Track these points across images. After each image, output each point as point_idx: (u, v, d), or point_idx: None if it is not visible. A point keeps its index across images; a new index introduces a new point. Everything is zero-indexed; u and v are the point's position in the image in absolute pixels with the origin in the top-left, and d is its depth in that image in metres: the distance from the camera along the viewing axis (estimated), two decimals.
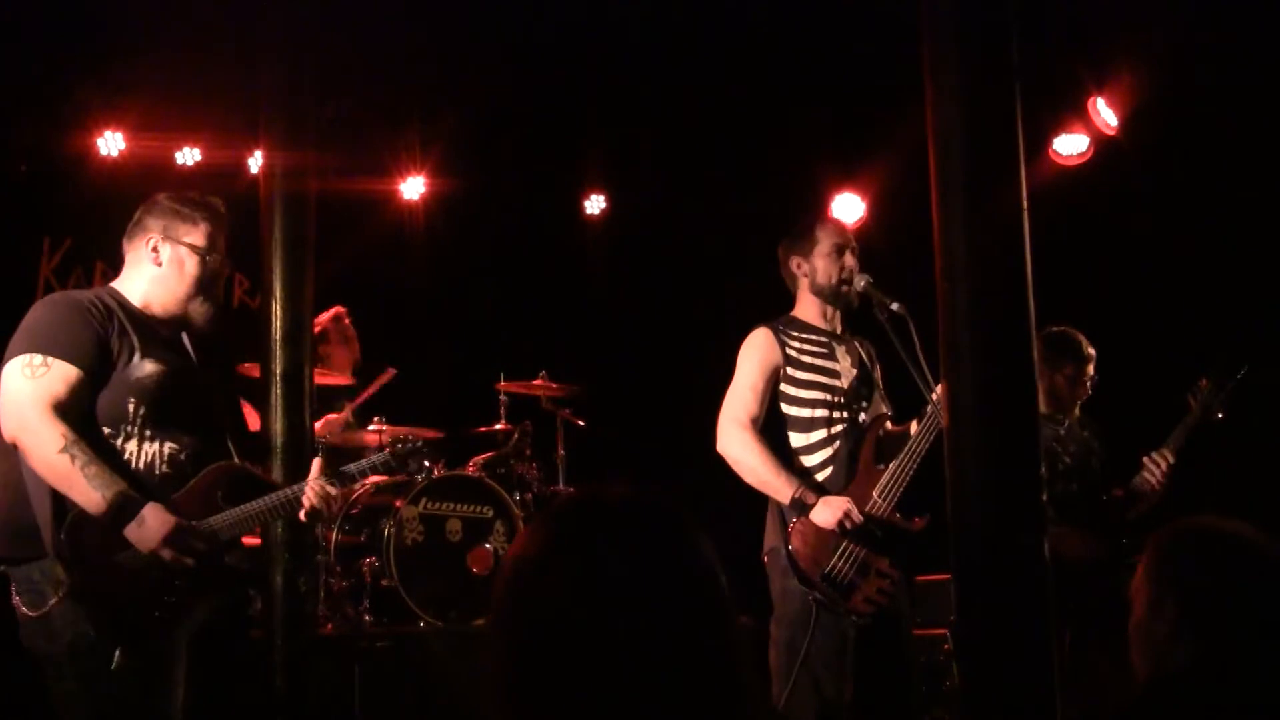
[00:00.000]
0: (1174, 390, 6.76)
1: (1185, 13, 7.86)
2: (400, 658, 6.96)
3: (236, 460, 4.60)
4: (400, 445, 5.10)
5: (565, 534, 1.87)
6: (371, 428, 8.12)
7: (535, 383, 8.69)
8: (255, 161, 8.31)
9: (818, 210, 9.41)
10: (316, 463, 4.84)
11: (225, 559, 4.47)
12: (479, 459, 8.36)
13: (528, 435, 8.49)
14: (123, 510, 4.18)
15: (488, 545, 7.84)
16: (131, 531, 4.19)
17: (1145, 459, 6.46)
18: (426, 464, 5.30)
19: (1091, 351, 6.56)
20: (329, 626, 7.37)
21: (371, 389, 8.36)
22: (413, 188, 10.21)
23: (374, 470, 4.99)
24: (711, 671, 1.80)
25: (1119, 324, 7.03)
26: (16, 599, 4.28)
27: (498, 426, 8.58)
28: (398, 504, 7.59)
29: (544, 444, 8.72)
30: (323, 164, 7.06)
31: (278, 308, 6.60)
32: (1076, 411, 6.64)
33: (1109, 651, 5.98)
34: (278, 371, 6.39)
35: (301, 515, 4.70)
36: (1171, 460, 6.40)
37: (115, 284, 4.62)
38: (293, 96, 6.95)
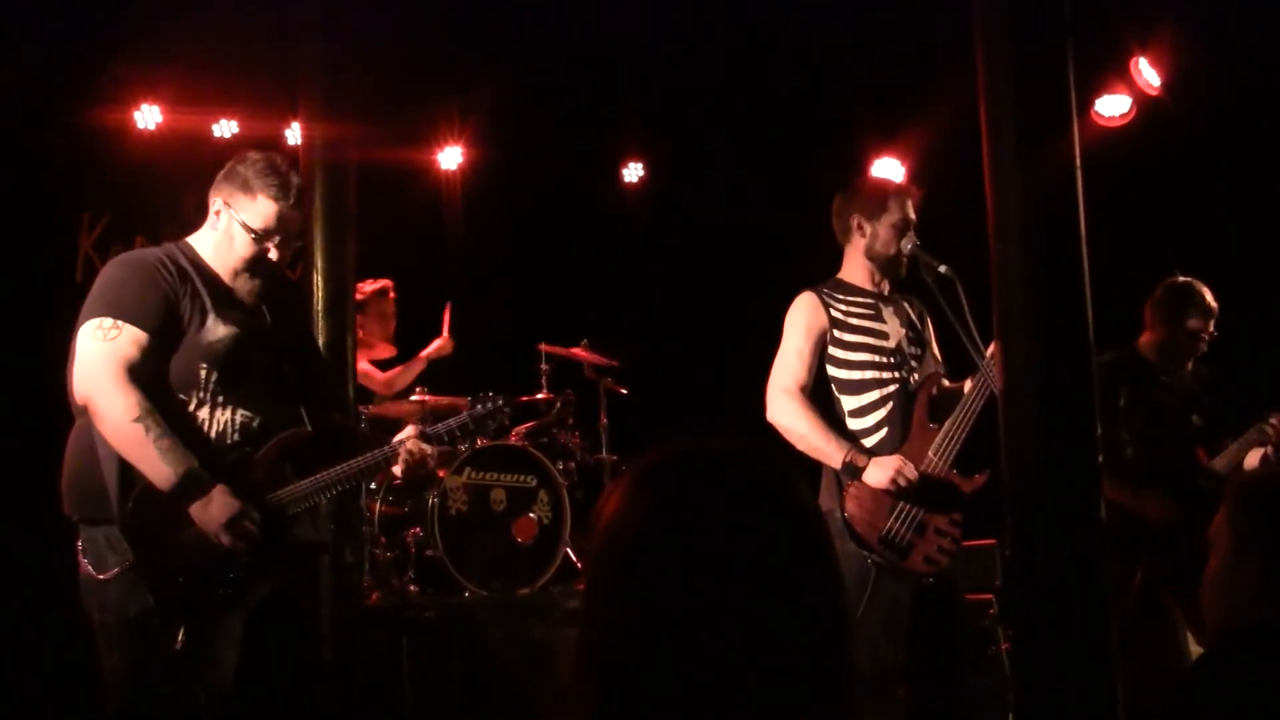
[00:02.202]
0: (1230, 361, 6.70)
1: None
2: (446, 628, 6.95)
3: (308, 428, 4.47)
4: (480, 406, 4.93)
5: (670, 496, 1.74)
6: (414, 397, 8.12)
7: (576, 351, 8.67)
8: (293, 133, 8.30)
9: (883, 175, 9.37)
10: (412, 427, 4.65)
11: (292, 531, 4.38)
12: (521, 428, 8.37)
13: (570, 404, 8.49)
14: (191, 489, 4.08)
15: (532, 514, 7.84)
16: (197, 511, 4.09)
17: (1251, 431, 6.36)
18: (506, 422, 5.10)
19: (1215, 305, 6.47)
20: (375, 597, 7.38)
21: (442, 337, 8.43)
22: (450, 158, 10.18)
23: (453, 435, 4.76)
24: (824, 630, 1.71)
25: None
26: (82, 558, 4.22)
27: (540, 396, 8.56)
28: (441, 474, 7.58)
29: (586, 413, 8.71)
30: (361, 135, 7.05)
31: (319, 278, 6.61)
32: (1190, 365, 6.56)
33: (1181, 611, 5.97)
34: (320, 341, 6.39)
35: (397, 470, 4.60)
36: (1274, 444, 6.31)
37: (192, 238, 4.51)
38: (331, 67, 6.93)
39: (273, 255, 4.44)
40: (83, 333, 4.19)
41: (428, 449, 4.59)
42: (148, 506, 4.10)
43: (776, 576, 1.69)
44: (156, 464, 4.06)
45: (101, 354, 4.13)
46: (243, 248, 4.40)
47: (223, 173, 4.47)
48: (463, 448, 7.63)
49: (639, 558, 1.72)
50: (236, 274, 4.44)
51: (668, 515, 1.72)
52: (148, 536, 4.11)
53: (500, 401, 4.97)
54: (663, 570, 1.69)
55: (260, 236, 4.39)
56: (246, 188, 4.40)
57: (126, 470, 4.11)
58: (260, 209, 4.39)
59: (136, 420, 4.06)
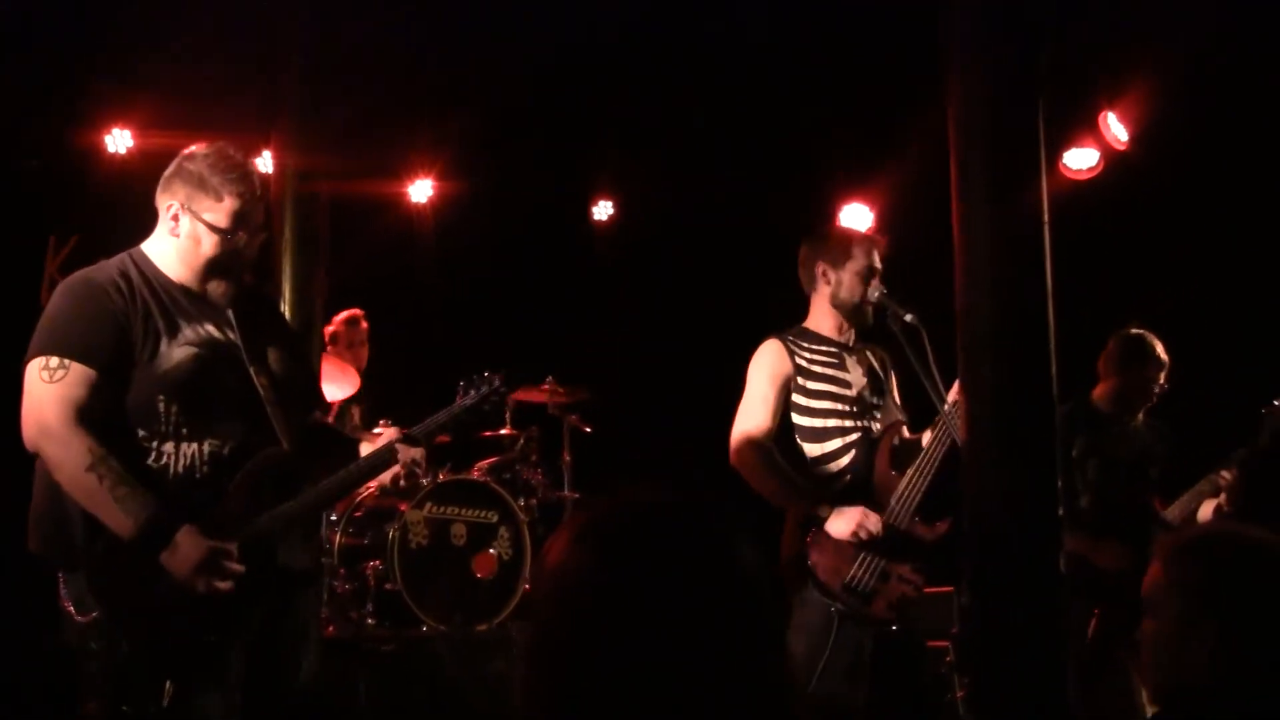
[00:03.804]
0: (1189, 411, 6.75)
1: (1198, 28, 7.84)
2: (404, 662, 6.92)
3: (285, 447, 4.18)
4: (472, 391, 4.61)
5: (606, 544, 1.78)
6: (377, 430, 8.08)
7: (542, 387, 8.66)
8: (264, 161, 8.30)
9: (843, 221, 9.46)
10: (393, 431, 4.39)
11: (280, 559, 4.12)
12: (484, 463, 8.34)
13: (534, 440, 8.47)
14: (154, 536, 3.85)
15: (492, 550, 7.81)
16: (165, 558, 3.86)
17: (1204, 483, 6.39)
18: (501, 391, 4.67)
19: (1166, 358, 6.54)
20: (331, 629, 7.34)
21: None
22: (421, 190, 10.17)
23: (442, 428, 4.51)
24: (760, 679, 1.74)
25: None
26: (64, 595, 4.00)
27: (504, 431, 8.54)
28: (402, 507, 7.55)
29: (550, 449, 8.70)
30: (333, 165, 7.06)
31: (287, 309, 6.62)
32: (1142, 416, 6.62)
33: (1134, 662, 5.99)
34: None
35: (387, 481, 4.34)
36: (1227, 496, 6.35)
37: (145, 245, 4.22)
38: (303, 97, 6.95)
39: (252, 248, 4.25)
40: (28, 373, 3.98)
41: (415, 453, 4.33)
42: (116, 557, 3.89)
43: (713, 634, 1.72)
44: (114, 514, 3.84)
45: (48, 398, 3.91)
46: (210, 248, 4.14)
47: (172, 173, 4.19)
48: (424, 481, 7.60)
49: (578, 610, 1.75)
50: (206, 278, 4.20)
51: (606, 570, 1.76)
52: (118, 590, 3.91)
53: (497, 383, 4.67)
54: (600, 623, 1.72)
55: (229, 234, 4.14)
56: (205, 186, 4.11)
57: (90, 518, 3.90)
58: (225, 206, 4.12)
59: (89, 470, 3.84)
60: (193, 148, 4.21)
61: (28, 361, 4.00)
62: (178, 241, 4.17)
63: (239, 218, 4.14)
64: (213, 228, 4.13)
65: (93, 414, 3.92)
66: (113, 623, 3.92)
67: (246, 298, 4.35)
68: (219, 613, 3.96)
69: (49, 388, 3.92)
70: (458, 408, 4.59)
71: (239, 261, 4.23)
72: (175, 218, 4.15)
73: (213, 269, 4.19)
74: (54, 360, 3.95)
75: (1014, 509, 4.41)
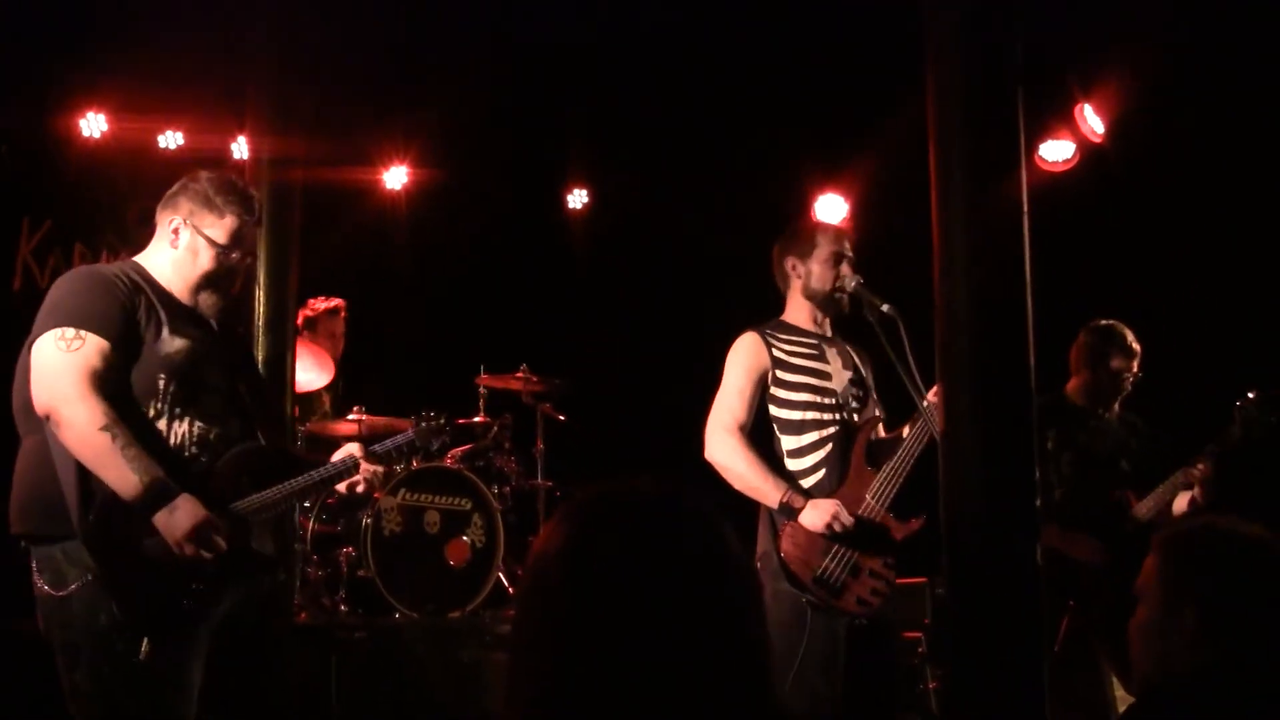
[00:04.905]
0: (1162, 404, 6.76)
1: (1173, 21, 7.87)
2: (376, 649, 6.91)
3: (261, 441, 4.47)
4: (424, 424, 5.09)
5: (587, 533, 1.79)
6: (351, 417, 8.08)
7: (516, 376, 8.66)
8: (239, 147, 8.26)
9: (816, 212, 9.48)
10: (356, 445, 4.68)
11: (252, 544, 4.34)
12: (458, 451, 8.35)
13: (507, 428, 8.48)
14: (158, 497, 4.05)
15: (465, 538, 7.82)
16: (162, 519, 4.05)
17: (1178, 475, 6.39)
18: (447, 440, 5.30)
19: (1137, 346, 6.54)
20: (303, 616, 7.33)
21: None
22: (395, 177, 10.13)
23: (400, 451, 4.87)
24: (743, 665, 1.74)
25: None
26: (38, 578, 4.15)
27: (477, 419, 8.54)
28: (376, 495, 7.54)
29: (523, 438, 8.70)
30: (308, 151, 7.04)
31: (261, 294, 6.60)
32: (1116, 407, 6.62)
33: (1107, 654, 6.01)
34: (260, 357, 6.39)
35: (342, 487, 4.65)
36: (1201, 489, 6.35)
37: (139, 258, 4.50)
38: (279, 85, 6.93)
39: (243, 268, 4.56)
40: (41, 344, 4.14)
41: (378, 468, 4.64)
42: (110, 517, 4.06)
43: (688, 622, 1.72)
44: (124, 472, 4.02)
45: (65, 364, 4.09)
46: (207, 262, 4.42)
47: (177, 191, 4.49)
48: (398, 468, 7.59)
49: (554, 594, 1.76)
50: (199, 289, 4.45)
51: (582, 555, 1.77)
52: (111, 548, 4.07)
53: (443, 420, 5.13)
54: (575, 608, 1.74)
55: (226, 250, 4.42)
56: (210, 204, 4.43)
57: (87, 482, 4.05)
58: (226, 224, 4.43)
59: (103, 429, 4.02)
60: (200, 171, 4.56)
61: (36, 338, 4.18)
62: (175, 254, 4.45)
63: (237, 236, 4.47)
64: (212, 242, 4.43)
65: (106, 382, 4.13)
66: (104, 583, 4.07)
67: (226, 321, 4.66)
68: (197, 580, 4.16)
69: (66, 356, 4.12)
70: (413, 434, 5.07)
71: (229, 280, 4.52)
72: (176, 231, 4.45)
73: (205, 283, 4.46)
74: (70, 331, 4.15)
75: (992, 500, 4.41)
